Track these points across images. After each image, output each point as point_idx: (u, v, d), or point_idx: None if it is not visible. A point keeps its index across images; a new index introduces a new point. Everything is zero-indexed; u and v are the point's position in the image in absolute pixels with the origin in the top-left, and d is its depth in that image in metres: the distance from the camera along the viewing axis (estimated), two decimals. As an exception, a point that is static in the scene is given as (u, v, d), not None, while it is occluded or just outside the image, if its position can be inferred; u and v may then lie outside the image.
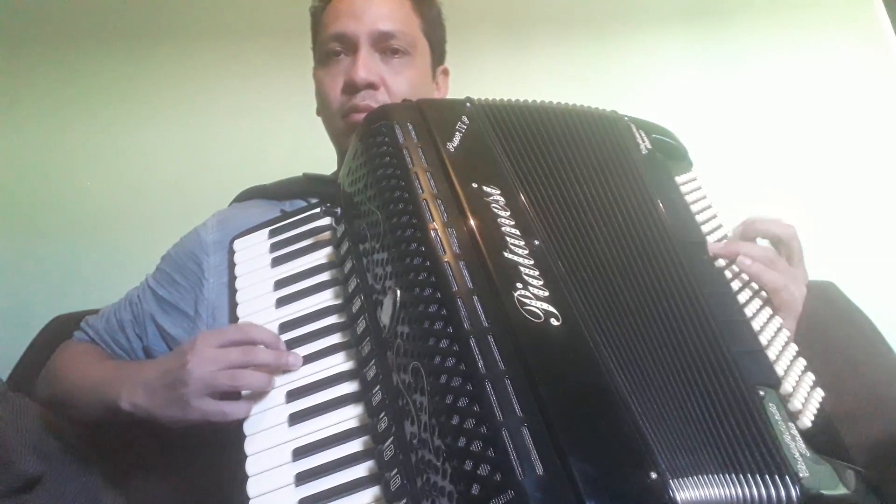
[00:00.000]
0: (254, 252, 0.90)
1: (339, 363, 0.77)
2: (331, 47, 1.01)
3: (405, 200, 0.73)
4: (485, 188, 0.74)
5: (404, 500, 0.64)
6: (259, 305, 0.85)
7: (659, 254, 0.77)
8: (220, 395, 0.75)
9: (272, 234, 0.91)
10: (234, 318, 0.86)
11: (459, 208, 0.72)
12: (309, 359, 0.78)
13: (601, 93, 1.75)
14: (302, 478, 0.70)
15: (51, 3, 1.76)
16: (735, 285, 0.80)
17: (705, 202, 0.88)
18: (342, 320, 0.80)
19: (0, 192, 1.69)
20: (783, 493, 0.62)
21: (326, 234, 0.87)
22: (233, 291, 0.88)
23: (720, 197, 0.92)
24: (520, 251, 0.70)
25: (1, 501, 0.90)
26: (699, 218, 0.85)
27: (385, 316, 0.70)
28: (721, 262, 0.81)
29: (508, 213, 0.73)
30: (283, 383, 0.77)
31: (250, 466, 0.73)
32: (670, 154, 0.92)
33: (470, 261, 0.68)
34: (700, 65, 1.82)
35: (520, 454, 0.56)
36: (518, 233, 0.71)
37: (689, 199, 0.87)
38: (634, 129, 0.90)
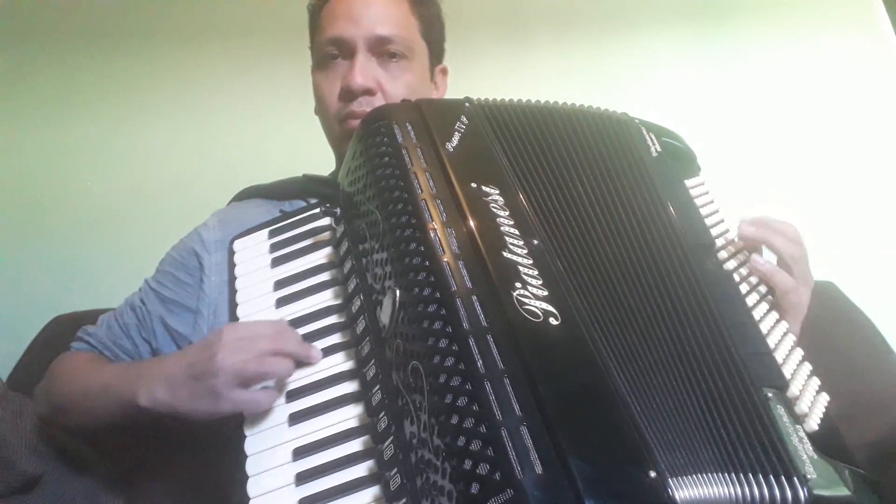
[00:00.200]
0: (254, 252, 0.90)
1: (338, 363, 0.77)
2: (328, 51, 1.00)
3: (404, 200, 0.73)
4: (484, 188, 0.74)
5: (404, 500, 0.64)
6: (259, 306, 0.85)
7: (666, 255, 0.77)
8: (247, 386, 0.75)
9: (272, 234, 0.91)
10: (234, 318, 0.85)
11: (458, 208, 0.72)
12: (309, 359, 0.78)
13: (601, 92, 1.75)
14: (302, 477, 0.70)
15: (51, 4, 1.76)
16: (743, 288, 0.80)
17: (713, 206, 0.88)
18: (342, 320, 0.80)
19: (0, 191, 1.69)
20: (790, 494, 0.62)
21: (326, 235, 0.87)
22: (233, 291, 0.88)
23: (719, 196, 0.92)
24: (519, 251, 0.70)
25: (1, 501, 0.90)
26: (707, 222, 0.86)
27: (384, 316, 0.70)
28: (731, 265, 0.81)
29: (507, 213, 0.73)
30: (292, 371, 0.77)
31: (250, 466, 0.73)
32: (679, 158, 0.92)
33: (469, 260, 0.68)
34: (699, 64, 1.82)
35: (519, 453, 0.56)
36: (517, 232, 0.71)
37: (697, 202, 0.87)
38: (645, 132, 0.90)
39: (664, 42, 1.83)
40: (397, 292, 0.69)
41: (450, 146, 0.78)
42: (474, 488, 0.56)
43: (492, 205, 0.73)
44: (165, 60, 1.78)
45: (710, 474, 0.63)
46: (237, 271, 0.89)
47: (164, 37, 1.78)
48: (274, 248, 0.90)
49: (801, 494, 0.63)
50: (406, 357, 0.66)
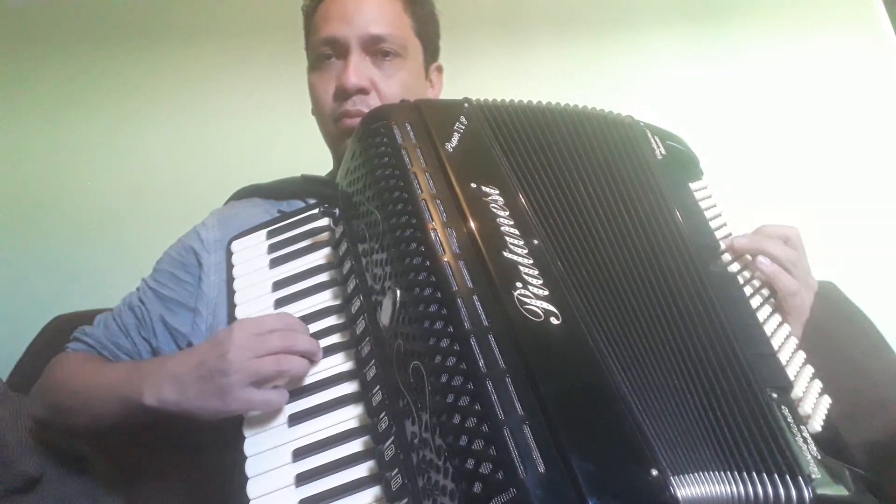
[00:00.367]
0: (252, 253, 0.90)
1: (338, 364, 0.77)
2: (322, 51, 1.00)
3: (404, 201, 0.73)
4: (484, 188, 0.74)
5: (405, 500, 0.64)
6: (258, 306, 0.84)
7: (670, 256, 0.77)
8: (261, 384, 0.74)
9: (270, 234, 0.91)
10: (232, 319, 0.85)
11: (458, 208, 0.72)
12: (309, 359, 0.78)
13: (601, 92, 1.75)
14: (302, 478, 0.70)
15: (51, 4, 1.76)
16: (747, 291, 0.81)
17: (716, 210, 0.89)
18: (341, 321, 0.80)
19: (0, 191, 1.69)
20: (794, 494, 0.63)
21: (325, 235, 0.87)
22: (231, 292, 0.88)
23: (718, 196, 0.92)
24: (519, 251, 0.70)
25: (1, 501, 0.90)
26: (711, 225, 0.86)
27: (385, 316, 0.70)
28: (735, 267, 0.82)
29: (507, 213, 0.73)
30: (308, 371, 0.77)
31: (250, 468, 0.73)
32: (683, 162, 0.92)
33: (469, 260, 0.68)
34: (699, 64, 1.82)
35: (521, 452, 0.56)
36: (517, 232, 0.71)
37: (701, 206, 0.88)
38: (650, 135, 0.90)
39: (664, 42, 1.83)
40: (397, 292, 0.69)
41: (449, 146, 0.77)
42: (477, 487, 0.56)
43: (492, 205, 0.73)
44: (165, 60, 1.78)
45: (712, 472, 0.63)
46: (235, 272, 0.89)
47: (164, 37, 1.79)
48: (272, 248, 0.89)
49: (806, 494, 0.63)
50: (407, 357, 0.66)
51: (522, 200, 0.75)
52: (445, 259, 0.67)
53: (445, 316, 0.64)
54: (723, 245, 0.83)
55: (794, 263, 0.82)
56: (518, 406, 0.58)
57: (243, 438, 0.75)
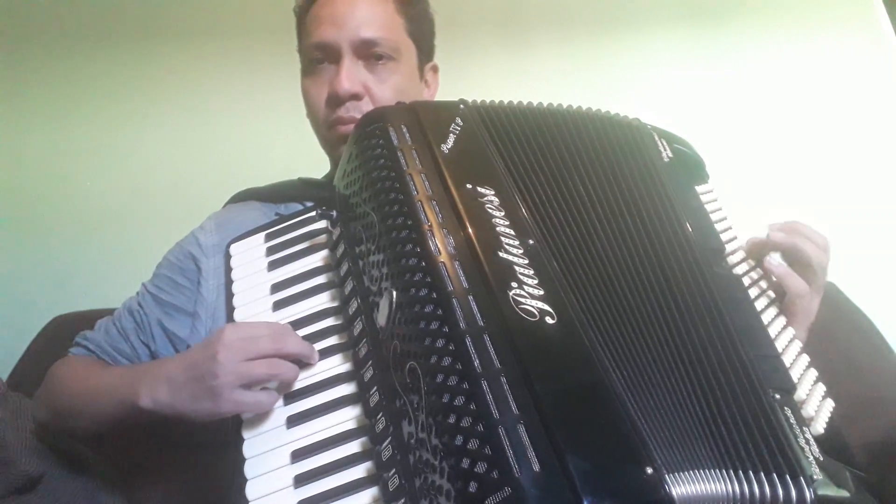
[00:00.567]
0: (250, 256, 0.90)
1: (336, 365, 0.77)
2: (313, 56, 0.99)
3: (400, 202, 0.73)
4: (479, 189, 0.74)
5: (403, 500, 0.64)
6: (256, 309, 0.85)
7: (674, 256, 0.77)
8: (251, 386, 0.74)
9: (268, 237, 0.91)
10: (231, 321, 0.85)
11: (454, 209, 0.72)
12: (306, 360, 0.78)
13: (601, 92, 1.75)
14: (301, 480, 0.70)
15: (51, 4, 1.76)
16: (753, 292, 0.81)
17: (721, 213, 0.89)
18: (339, 322, 0.80)
19: (0, 191, 1.70)
20: (794, 494, 0.63)
21: (322, 237, 0.87)
22: (230, 295, 0.88)
23: (718, 194, 0.92)
24: (514, 251, 0.70)
25: (1, 501, 0.90)
26: (717, 228, 0.86)
27: (381, 317, 0.70)
28: (741, 269, 0.82)
29: (503, 214, 0.73)
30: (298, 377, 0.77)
31: (249, 469, 0.73)
32: (689, 165, 0.93)
33: (465, 261, 0.68)
34: (699, 64, 1.82)
35: (516, 451, 0.56)
36: (513, 232, 0.71)
37: (707, 209, 0.88)
38: (657, 138, 0.90)
39: (664, 42, 1.83)
40: (394, 293, 0.69)
41: (445, 148, 0.78)
42: (472, 487, 0.56)
43: (487, 205, 0.73)
44: (165, 61, 1.78)
45: (708, 471, 0.63)
46: (234, 275, 0.89)
47: (164, 37, 1.79)
48: (270, 251, 0.90)
49: (808, 495, 0.63)
50: (403, 358, 0.66)
51: (518, 201, 0.75)
52: (441, 260, 0.68)
53: (441, 316, 0.64)
54: (728, 248, 0.84)
55: (824, 268, 0.83)
56: (513, 405, 0.58)
57: (242, 440, 0.75)
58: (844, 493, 0.66)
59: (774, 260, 0.82)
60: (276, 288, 0.86)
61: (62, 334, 1.06)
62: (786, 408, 0.70)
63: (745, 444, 0.65)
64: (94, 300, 1.25)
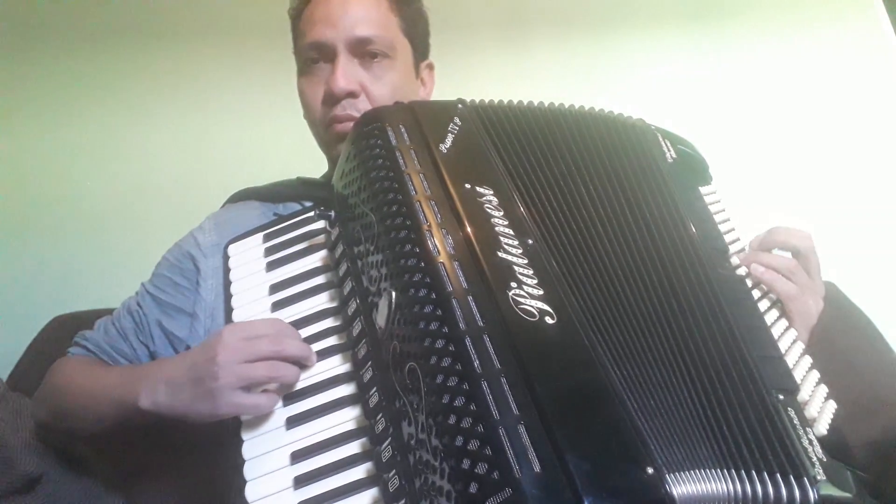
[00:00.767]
0: (249, 256, 0.90)
1: (335, 366, 0.77)
2: (309, 56, 0.99)
3: (399, 202, 0.73)
4: (478, 188, 0.74)
5: (403, 501, 0.64)
6: (255, 310, 0.85)
7: (677, 256, 0.77)
8: (250, 388, 0.74)
9: (267, 238, 0.91)
10: (229, 322, 0.85)
11: (453, 209, 0.72)
12: (305, 362, 0.78)
13: (601, 91, 1.75)
14: (300, 481, 0.70)
15: (51, 4, 1.76)
16: (755, 294, 0.81)
17: (725, 215, 0.89)
18: (338, 323, 0.80)
19: (0, 191, 1.70)
20: (798, 495, 0.63)
21: (321, 238, 0.87)
22: (228, 296, 0.88)
23: (718, 193, 0.92)
24: (513, 250, 0.70)
25: (1, 501, 0.90)
26: (720, 229, 0.86)
27: (381, 318, 0.70)
28: (743, 271, 0.82)
29: (502, 213, 0.73)
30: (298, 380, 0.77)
31: (248, 471, 0.73)
32: (693, 166, 0.93)
33: (464, 261, 0.68)
34: (699, 64, 1.82)
35: (517, 452, 0.56)
36: (511, 232, 0.71)
37: (710, 210, 0.88)
38: (661, 139, 0.90)
39: (663, 41, 1.83)
40: (393, 294, 0.69)
41: (443, 147, 0.78)
42: (473, 488, 0.56)
43: (486, 205, 0.73)
44: (165, 61, 1.78)
45: (709, 470, 0.63)
46: (232, 275, 0.89)
47: (163, 37, 1.78)
48: (269, 251, 0.90)
49: (811, 495, 0.63)
50: (403, 358, 0.66)
51: (517, 200, 0.75)
52: (440, 260, 0.68)
53: (440, 317, 0.64)
54: (732, 249, 0.84)
55: (792, 271, 0.82)
56: (513, 406, 0.59)
57: (241, 441, 0.75)
58: (846, 495, 0.66)
59: (759, 267, 0.82)
60: (275, 288, 0.86)
61: (62, 334, 1.06)
62: (789, 408, 0.70)
63: (748, 444, 0.65)
64: (94, 300, 1.25)
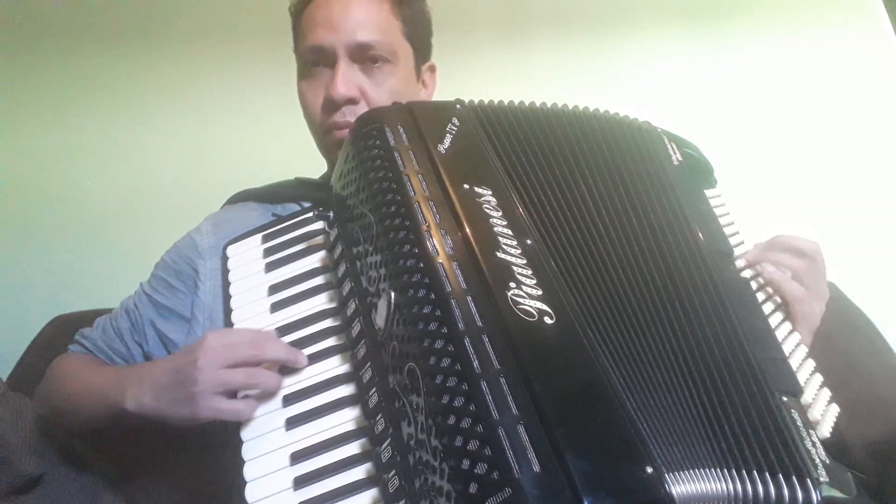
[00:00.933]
0: (247, 257, 0.90)
1: (334, 366, 0.77)
2: (309, 58, 0.98)
3: (397, 203, 0.73)
4: (476, 189, 0.74)
5: (403, 502, 0.64)
6: (254, 311, 0.85)
7: (681, 257, 0.77)
8: (231, 394, 0.75)
9: (265, 238, 0.91)
10: (228, 323, 0.85)
11: (451, 210, 0.72)
12: (305, 362, 0.78)
13: (601, 91, 1.75)
14: (300, 481, 0.70)
15: (51, 4, 1.76)
16: (759, 297, 0.81)
17: (729, 218, 0.89)
18: (337, 323, 0.80)
19: (0, 191, 1.70)
20: (801, 496, 0.63)
21: (319, 238, 0.87)
22: (227, 297, 0.88)
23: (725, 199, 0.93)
24: (512, 251, 0.70)
25: (1, 501, 0.90)
26: (725, 232, 0.86)
27: (380, 318, 0.70)
28: (747, 273, 0.82)
29: (500, 214, 0.73)
30: (280, 387, 0.77)
31: (248, 471, 0.73)
32: (699, 169, 0.93)
33: (463, 261, 0.68)
34: (698, 64, 1.82)
35: (516, 452, 0.56)
36: (510, 232, 0.71)
37: (715, 213, 0.88)
38: (667, 141, 0.90)
39: (663, 41, 1.83)
40: (392, 295, 0.69)
41: (441, 148, 0.77)
42: (472, 488, 0.56)
43: (485, 205, 0.73)
44: (165, 61, 1.78)
45: (709, 470, 0.63)
46: (231, 276, 0.89)
47: (163, 37, 1.79)
48: (268, 252, 0.90)
49: (815, 497, 0.63)
50: (402, 359, 0.66)
51: (516, 200, 0.75)
52: (439, 260, 0.68)
53: (439, 317, 0.64)
54: (736, 252, 0.84)
55: (803, 274, 0.82)
56: (512, 406, 0.58)
57: (240, 442, 0.75)
58: (850, 497, 0.66)
59: (770, 267, 0.82)
60: (274, 289, 0.86)
61: (62, 334, 1.06)
62: (793, 410, 0.70)
63: (750, 445, 0.65)
64: (94, 300, 1.25)
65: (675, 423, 0.65)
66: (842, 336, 1.14)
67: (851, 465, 0.71)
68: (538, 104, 0.87)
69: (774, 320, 0.80)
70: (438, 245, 0.69)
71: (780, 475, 0.64)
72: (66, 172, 1.72)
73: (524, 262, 0.69)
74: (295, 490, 0.70)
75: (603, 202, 0.79)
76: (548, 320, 0.65)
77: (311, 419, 0.74)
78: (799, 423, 0.69)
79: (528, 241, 0.71)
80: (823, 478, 0.65)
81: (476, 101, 0.85)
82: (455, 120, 0.81)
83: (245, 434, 0.75)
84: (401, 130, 0.79)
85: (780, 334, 0.78)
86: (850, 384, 0.90)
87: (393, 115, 0.81)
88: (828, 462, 0.67)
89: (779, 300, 0.83)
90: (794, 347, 0.79)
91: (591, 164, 0.82)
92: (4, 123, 1.72)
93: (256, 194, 1.07)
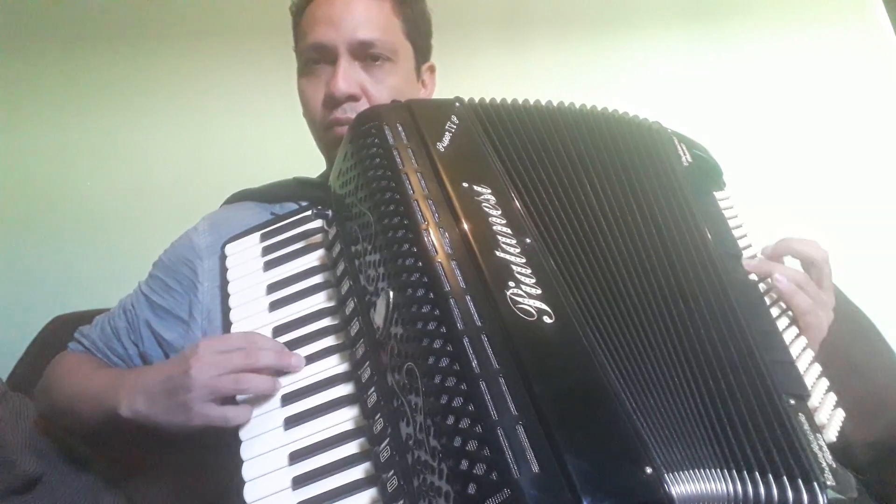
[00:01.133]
0: (246, 256, 0.90)
1: (333, 366, 0.77)
2: (310, 56, 0.98)
3: (396, 202, 0.73)
4: (475, 187, 0.74)
5: (401, 501, 0.64)
6: (252, 310, 0.85)
7: (688, 258, 0.77)
8: (223, 400, 0.75)
9: (264, 237, 0.91)
10: (227, 322, 0.85)
11: (450, 208, 0.72)
12: (303, 362, 0.78)
13: (601, 91, 1.75)
14: (299, 481, 0.70)
15: (51, 4, 1.76)
16: (766, 301, 0.81)
17: (737, 221, 0.89)
18: (336, 323, 0.80)
19: (1, 191, 1.70)
20: (806, 498, 0.63)
21: (318, 237, 0.87)
22: (225, 296, 0.88)
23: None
24: (511, 250, 0.70)
25: (1, 501, 0.90)
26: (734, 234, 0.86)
27: (378, 317, 0.70)
28: (755, 277, 0.82)
29: (499, 212, 0.73)
30: (278, 387, 0.77)
31: (247, 471, 0.73)
32: (708, 171, 0.93)
33: (462, 260, 0.67)
34: (698, 64, 1.82)
35: (515, 452, 0.56)
36: (509, 231, 0.71)
37: (724, 215, 0.88)
38: (677, 142, 0.90)
39: (663, 41, 1.83)
40: (391, 294, 0.69)
41: (440, 146, 0.77)
42: (471, 488, 0.56)
43: (484, 204, 0.73)
44: (165, 61, 1.78)
45: (710, 470, 0.63)
46: (229, 276, 0.89)
47: (163, 38, 1.79)
48: (266, 251, 0.89)
49: (821, 500, 0.63)
50: (401, 358, 0.66)
51: (515, 199, 0.75)
52: (438, 259, 0.67)
53: (438, 317, 0.64)
54: (745, 254, 0.84)
55: (803, 285, 0.82)
56: (511, 406, 0.58)
57: (239, 442, 0.75)
58: (852, 499, 0.66)
59: (781, 277, 0.81)
60: (273, 288, 0.85)
61: (62, 334, 1.07)
62: (800, 414, 0.69)
63: (753, 446, 0.65)
64: (94, 300, 1.25)
65: (676, 423, 0.65)
66: (842, 336, 1.14)
67: (853, 468, 0.71)
68: (543, 103, 0.87)
69: (781, 324, 0.80)
70: (437, 244, 0.69)
71: (786, 477, 0.63)
72: (66, 172, 1.72)
73: (523, 261, 0.69)
74: (294, 490, 0.70)
75: (607, 200, 0.79)
76: (547, 320, 0.64)
77: (309, 419, 0.74)
78: (806, 426, 0.69)
79: (528, 240, 0.71)
80: (830, 482, 0.65)
81: (475, 99, 0.85)
82: (454, 118, 0.81)
83: (244, 434, 0.75)
84: (399, 129, 0.79)
85: (786, 338, 0.78)
86: (851, 384, 0.90)
87: (392, 114, 0.81)
88: (834, 466, 0.67)
89: (784, 306, 0.82)
90: (801, 352, 0.78)
91: (595, 162, 0.81)
92: (4, 123, 1.72)
93: (254, 194, 1.07)
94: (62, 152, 1.72)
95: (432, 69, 1.10)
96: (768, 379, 0.70)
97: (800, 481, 0.63)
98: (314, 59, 0.98)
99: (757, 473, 0.63)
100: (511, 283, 0.66)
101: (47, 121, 1.73)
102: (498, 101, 0.86)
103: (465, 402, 0.59)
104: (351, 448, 0.71)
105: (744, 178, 1.61)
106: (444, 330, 0.63)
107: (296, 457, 0.72)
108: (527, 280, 0.67)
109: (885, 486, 0.86)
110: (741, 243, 0.86)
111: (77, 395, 0.89)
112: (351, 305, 0.77)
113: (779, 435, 0.66)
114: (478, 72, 1.74)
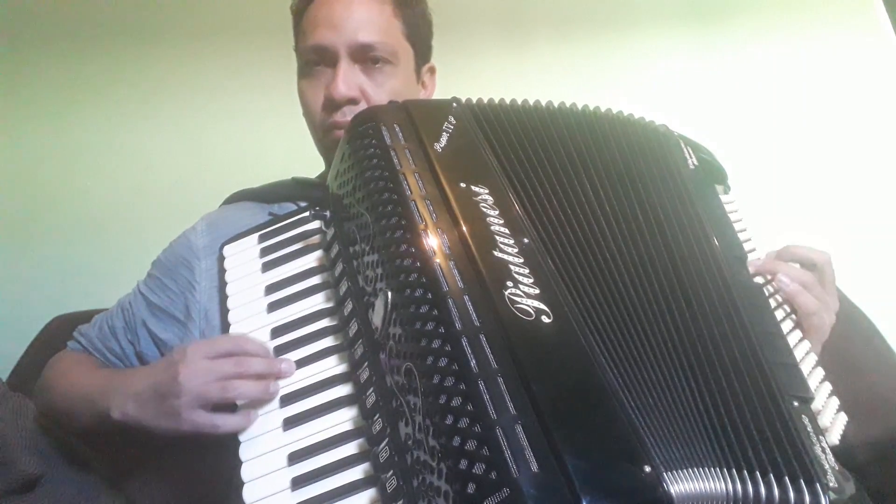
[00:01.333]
0: (244, 257, 0.90)
1: (332, 366, 0.77)
2: (310, 58, 0.98)
3: (394, 202, 0.73)
4: (473, 187, 0.74)
5: (401, 502, 0.64)
6: (250, 310, 0.85)
7: (691, 260, 0.77)
8: (213, 406, 0.75)
9: (262, 238, 0.91)
10: (225, 323, 0.85)
11: (448, 208, 0.72)
12: (302, 363, 0.78)
13: (601, 91, 1.75)
14: (298, 482, 0.70)
15: (50, 4, 1.76)
16: (771, 303, 0.81)
17: (742, 225, 0.89)
18: (334, 323, 0.80)
19: (0, 191, 1.70)
20: (808, 499, 0.63)
21: (316, 238, 0.87)
22: (224, 297, 0.88)
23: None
24: (509, 250, 0.70)
25: (1, 501, 0.90)
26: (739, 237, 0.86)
27: (377, 318, 0.70)
28: (760, 279, 0.82)
29: (497, 212, 0.73)
30: (273, 391, 0.77)
31: (245, 472, 0.73)
32: (714, 174, 0.93)
33: (460, 261, 0.67)
34: (699, 64, 1.81)
35: (514, 452, 0.56)
36: (507, 231, 0.71)
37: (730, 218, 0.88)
38: (683, 145, 0.90)
39: (663, 41, 1.82)
40: (389, 294, 0.69)
41: (438, 146, 0.77)
42: (470, 488, 0.56)
43: (481, 204, 0.73)
44: (165, 61, 1.78)
45: (709, 469, 0.63)
46: (228, 276, 0.89)
47: (163, 38, 1.79)
48: (264, 252, 0.89)
49: (823, 502, 0.63)
50: (399, 359, 0.66)
51: (513, 199, 0.75)
52: (436, 260, 0.67)
53: (436, 317, 0.64)
54: (750, 258, 0.84)
55: (809, 286, 0.82)
56: (510, 405, 0.58)
57: (238, 443, 0.75)
58: (851, 498, 0.66)
59: (785, 278, 0.82)
60: (271, 289, 0.85)
61: (62, 334, 1.06)
62: (803, 416, 0.69)
63: (755, 446, 0.65)
64: (94, 300, 1.24)
65: (675, 422, 0.65)
66: (842, 335, 1.14)
67: (852, 468, 0.71)
68: (543, 103, 0.87)
69: (785, 327, 0.79)
70: (435, 244, 0.69)
71: (788, 478, 0.63)
72: (66, 172, 1.72)
73: (521, 260, 0.69)
74: (293, 490, 0.70)
75: (608, 201, 0.79)
76: (545, 319, 0.65)
77: (308, 419, 0.74)
78: (809, 428, 0.69)
79: (526, 240, 0.71)
80: (833, 484, 0.65)
81: (473, 100, 0.85)
82: (451, 118, 0.81)
83: (243, 434, 0.75)
84: (397, 129, 0.79)
85: (790, 341, 0.78)
86: (849, 384, 0.90)
87: (389, 114, 0.81)
88: (837, 469, 0.67)
89: (789, 308, 0.82)
90: (805, 355, 0.78)
91: (596, 162, 0.81)
92: (4, 124, 1.72)
93: (253, 194, 1.06)
94: (62, 152, 1.72)
95: (432, 70, 1.10)
96: (771, 380, 0.70)
97: (802, 482, 0.63)
98: (314, 60, 0.98)
99: (758, 473, 0.63)
100: (509, 283, 0.66)
101: (47, 121, 1.73)
102: (496, 101, 0.86)
103: (463, 401, 0.59)
104: (350, 448, 0.71)
105: (744, 178, 1.62)
106: (442, 330, 0.63)
107: (295, 457, 0.72)
108: (525, 280, 0.67)
109: (884, 485, 0.86)
110: (747, 246, 0.86)
111: (73, 395, 0.89)
112: (349, 306, 0.77)
113: (781, 436, 0.66)
114: (478, 72, 1.74)
